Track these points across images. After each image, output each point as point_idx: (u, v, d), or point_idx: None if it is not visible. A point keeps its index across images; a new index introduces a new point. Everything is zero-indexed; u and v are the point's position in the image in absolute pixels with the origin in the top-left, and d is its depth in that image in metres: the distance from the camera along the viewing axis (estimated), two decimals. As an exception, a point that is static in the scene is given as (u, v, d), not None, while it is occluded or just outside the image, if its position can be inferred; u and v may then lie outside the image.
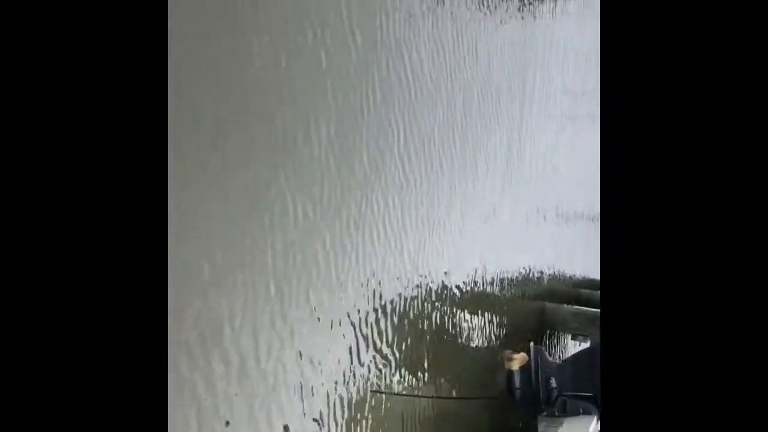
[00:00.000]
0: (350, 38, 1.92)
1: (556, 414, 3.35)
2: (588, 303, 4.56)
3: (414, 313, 2.46)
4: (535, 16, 3.72)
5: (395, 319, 2.30)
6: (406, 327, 2.40)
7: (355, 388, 2.04)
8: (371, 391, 2.19)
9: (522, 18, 3.49)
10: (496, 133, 3.23)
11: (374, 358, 2.17)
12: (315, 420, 1.85)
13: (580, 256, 5.25)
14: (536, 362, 3.38)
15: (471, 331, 3.10)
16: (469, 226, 2.93)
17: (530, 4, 3.61)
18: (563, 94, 4.45)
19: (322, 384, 1.88)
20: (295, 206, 1.72)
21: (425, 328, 2.57)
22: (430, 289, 2.60)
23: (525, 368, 3.39)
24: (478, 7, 2.87)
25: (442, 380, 2.76)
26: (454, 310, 2.88)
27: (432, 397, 2.66)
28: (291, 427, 1.76)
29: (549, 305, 4.30)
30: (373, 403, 2.15)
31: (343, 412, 1.98)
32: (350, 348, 2.03)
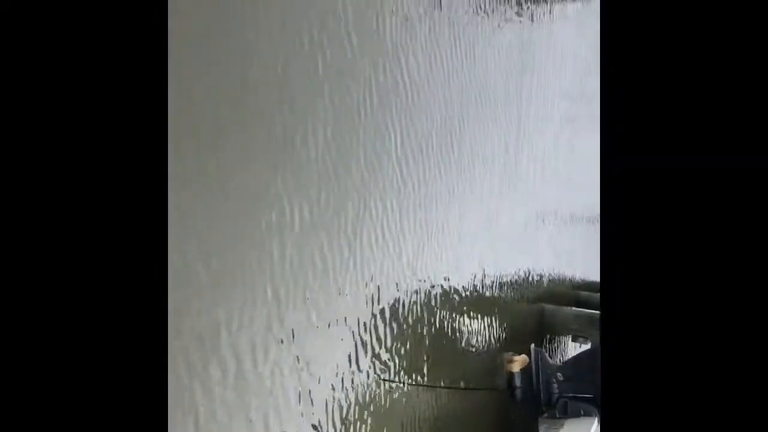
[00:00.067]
0: (347, 41, 1.92)
1: (557, 416, 3.35)
2: (588, 305, 4.56)
3: (413, 317, 2.45)
4: (533, 19, 3.72)
5: (394, 323, 2.29)
6: (406, 331, 2.40)
7: (354, 393, 2.03)
8: (381, 379, 2.19)
9: (520, 21, 3.50)
10: (494, 136, 3.23)
11: (373, 362, 2.16)
12: (314, 426, 1.84)
13: (579, 258, 5.25)
14: (537, 364, 3.38)
15: (471, 334, 3.09)
16: (467, 229, 2.93)
17: (528, 7, 3.61)
18: (561, 96, 4.45)
19: (321, 389, 1.87)
20: (292, 209, 1.72)
21: (425, 331, 2.57)
22: (429, 292, 2.60)
23: (525, 370, 3.40)
24: (475, 10, 2.87)
25: (443, 383, 2.75)
26: (454, 313, 2.87)
27: (441, 387, 2.66)
28: (288, 433, 1.75)
29: (549, 307, 4.30)
30: (372, 408, 2.15)
31: (341, 417, 1.97)
32: (349, 352, 2.02)
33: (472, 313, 3.09)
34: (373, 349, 2.16)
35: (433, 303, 2.63)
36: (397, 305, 2.32)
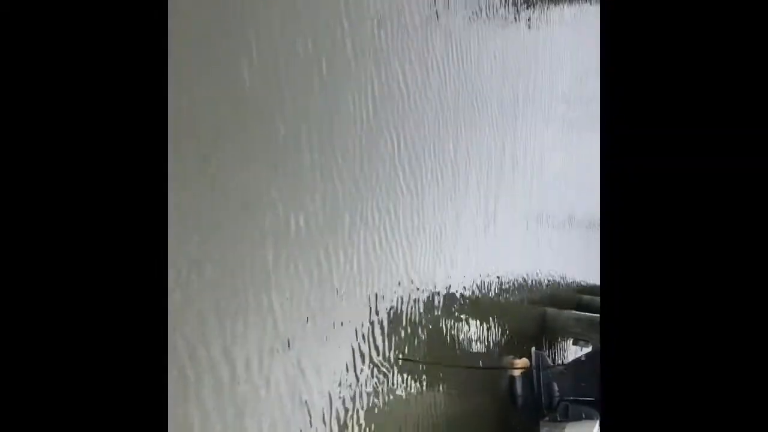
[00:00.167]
0: (345, 48, 1.92)
1: (558, 419, 3.35)
2: (588, 308, 4.57)
3: (413, 321, 2.45)
4: (530, 24, 3.73)
5: (394, 328, 2.29)
6: (406, 335, 2.39)
7: (353, 398, 2.03)
8: (401, 358, 2.19)
9: (517, 25, 3.51)
10: (493, 141, 3.23)
11: (373, 366, 2.15)
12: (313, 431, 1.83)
13: (579, 261, 5.25)
14: (538, 367, 3.38)
15: (472, 338, 3.09)
16: (467, 233, 2.93)
17: (526, 11, 3.62)
18: (560, 99, 4.46)
19: (320, 393, 1.86)
20: (287, 214, 1.71)
21: (425, 336, 2.56)
22: (430, 297, 2.59)
23: (527, 374, 3.40)
24: (473, 15, 2.88)
25: (444, 386, 2.75)
26: (455, 317, 2.87)
27: (459, 366, 2.66)
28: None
29: (550, 311, 4.30)
30: (371, 413, 2.14)
31: (340, 422, 1.96)
32: (348, 357, 2.01)
33: (473, 317, 3.09)
34: (373, 352, 2.15)
35: (433, 307, 2.63)
36: (397, 309, 2.32)
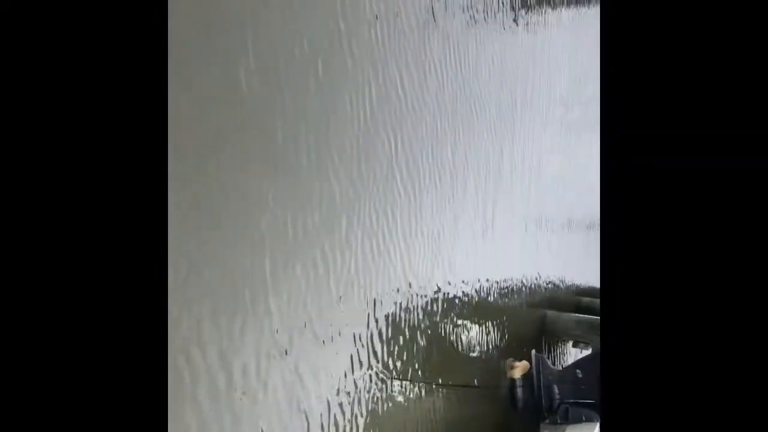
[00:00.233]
0: (343, 49, 1.92)
1: (559, 421, 3.35)
2: (588, 311, 4.58)
3: (413, 325, 2.45)
4: (528, 27, 3.74)
5: (394, 332, 2.28)
6: (406, 339, 2.39)
7: (351, 403, 2.01)
8: (392, 378, 2.18)
9: (515, 29, 3.51)
10: (491, 144, 3.23)
11: (374, 369, 2.14)
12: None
13: (579, 263, 5.26)
14: (538, 370, 3.38)
15: (472, 341, 3.09)
16: (465, 237, 2.93)
17: (524, 15, 3.63)
18: (558, 102, 4.47)
19: (321, 396, 1.85)
20: (286, 216, 1.71)
21: (425, 339, 2.56)
22: (429, 300, 2.59)
23: (527, 376, 3.40)
24: (471, 19, 2.88)
25: (445, 390, 2.74)
26: (454, 320, 2.86)
27: (449, 385, 2.65)
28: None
29: (550, 313, 4.31)
30: (371, 419, 2.13)
31: (338, 428, 1.95)
32: (348, 361, 2.00)
33: (472, 320, 3.08)
34: (373, 356, 2.15)
35: (433, 310, 2.62)
36: (396, 313, 2.31)
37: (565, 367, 3.74)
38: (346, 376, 1.98)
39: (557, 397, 3.34)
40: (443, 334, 2.75)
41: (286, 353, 1.70)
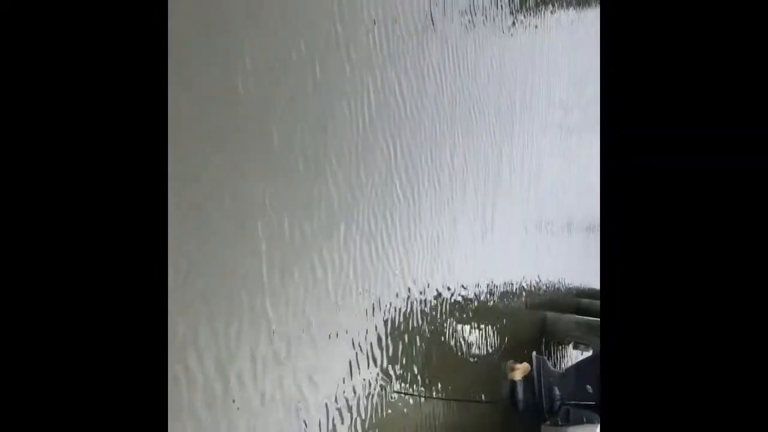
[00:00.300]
0: (341, 54, 1.92)
1: (560, 423, 3.35)
2: (588, 312, 4.58)
3: (413, 329, 2.44)
4: (527, 30, 3.75)
5: (394, 335, 2.28)
6: (406, 342, 2.38)
7: (350, 408, 2.01)
8: (395, 392, 2.17)
9: (514, 32, 3.52)
10: (490, 148, 3.23)
11: (373, 374, 2.14)
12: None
13: (579, 265, 5.25)
14: (539, 372, 3.38)
15: (473, 344, 3.08)
16: (465, 240, 2.93)
17: (522, 17, 3.64)
18: (557, 105, 4.47)
19: (320, 402, 1.85)
20: (281, 219, 1.70)
21: (425, 343, 2.55)
22: (429, 303, 2.59)
23: (528, 378, 3.39)
24: (470, 22, 2.89)
25: (444, 393, 2.73)
26: (454, 323, 2.86)
27: (450, 399, 2.65)
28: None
29: (550, 315, 4.31)
30: (372, 421, 2.12)
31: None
32: (348, 365, 2.00)
33: (473, 322, 3.08)
34: (373, 360, 2.14)
35: (433, 313, 2.62)
36: (396, 316, 2.31)
37: (566, 369, 3.74)
38: (344, 382, 1.98)
39: (558, 398, 3.34)
40: (443, 338, 2.75)
41: (288, 356, 1.70)
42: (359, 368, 2.06)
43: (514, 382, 3.38)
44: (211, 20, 1.40)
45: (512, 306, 3.67)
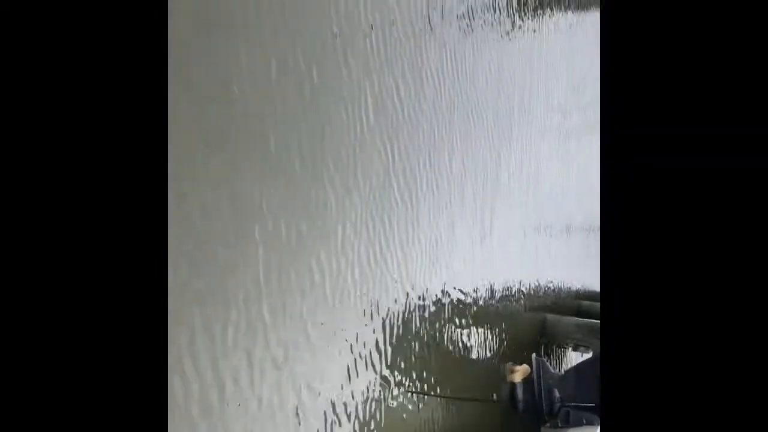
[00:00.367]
0: (341, 56, 1.92)
1: (560, 425, 3.34)
2: (588, 314, 4.59)
3: (412, 333, 2.44)
4: (525, 34, 3.75)
5: (393, 339, 2.27)
6: (405, 345, 2.38)
7: (349, 413, 2.00)
8: (407, 391, 2.17)
9: (512, 36, 3.52)
10: (489, 151, 3.23)
11: (371, 380, 2.13)
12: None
13: (578, 268, 5.25)
14: (539, 374, 3.37)
15: (472, 346, 3.08)
16: (464, 244, 2.92)
17: (521, 21, 3.64)
18: (556, 109, 4.48)
19: (317, 407, 1.84)
20: (278, 223, 1.69)
21: (424, 347, 2.55)
22: (427, 308, 2.58)
23: (527, 380, 3.39)
24: (468, 26, 2.89)
25: (445, 396, 2.73)
26: (454, 326, 2.86)
27: (454, 398, 2.64)
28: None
29: (550, 317, 4.31)
30: (371, 424, 2.12)
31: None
32: (345, 371, 1.99)
33: (473, 325, 3.07)
34: (372, 363, 2.13)
35: (430, 318, 2.61)
36: (396, 320, 2.30)
37: (566, 371, 3.74)
38: (343, 387, 1.97)
39: (558, 400, 3.33)
40: (442, 341, 2.74)
41: (286, 360, 1.69)
42: (358, 373, 2.05)
43: (513, 385, 3.38)
44: (211, 21, 1.40)
45: (512, 308, 3.67)
